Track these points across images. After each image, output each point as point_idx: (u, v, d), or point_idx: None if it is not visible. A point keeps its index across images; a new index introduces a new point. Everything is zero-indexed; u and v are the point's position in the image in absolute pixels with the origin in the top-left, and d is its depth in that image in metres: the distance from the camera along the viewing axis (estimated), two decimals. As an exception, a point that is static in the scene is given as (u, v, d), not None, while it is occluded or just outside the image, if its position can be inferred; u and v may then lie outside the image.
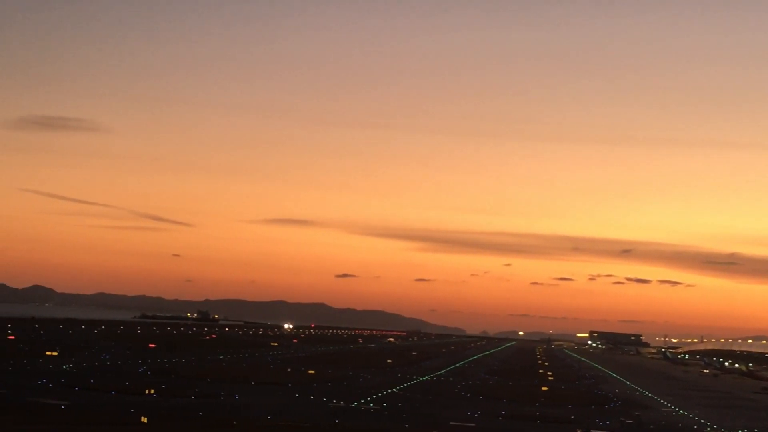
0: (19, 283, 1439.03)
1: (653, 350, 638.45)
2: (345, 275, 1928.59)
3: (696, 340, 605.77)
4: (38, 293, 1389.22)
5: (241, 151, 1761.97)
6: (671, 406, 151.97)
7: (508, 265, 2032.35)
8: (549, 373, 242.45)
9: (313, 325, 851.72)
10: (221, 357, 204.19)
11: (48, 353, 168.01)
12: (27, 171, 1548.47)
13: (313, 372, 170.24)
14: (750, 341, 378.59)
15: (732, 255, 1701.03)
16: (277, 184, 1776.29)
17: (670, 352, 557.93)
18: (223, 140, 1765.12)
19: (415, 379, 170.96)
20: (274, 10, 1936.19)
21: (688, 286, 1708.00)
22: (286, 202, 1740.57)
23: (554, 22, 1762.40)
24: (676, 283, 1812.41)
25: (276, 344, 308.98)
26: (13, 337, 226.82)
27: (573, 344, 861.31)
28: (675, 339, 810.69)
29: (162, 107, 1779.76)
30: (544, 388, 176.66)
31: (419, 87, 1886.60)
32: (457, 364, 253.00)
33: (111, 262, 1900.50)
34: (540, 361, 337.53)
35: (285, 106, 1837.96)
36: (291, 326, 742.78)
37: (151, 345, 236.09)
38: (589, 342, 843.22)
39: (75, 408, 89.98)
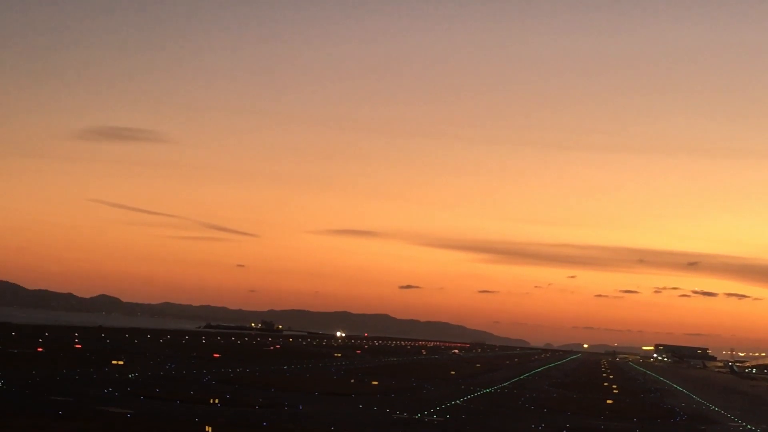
0: (86, 292, 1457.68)
1: (720, 364, 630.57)
2: (408, 286, 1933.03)
3: (764, 354, 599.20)
4: (105, 302, 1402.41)
5: (306, 161, 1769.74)
6: (738, 421, 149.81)
7: (573, 277, 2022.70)
8: (614, 386, 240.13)
9: (366, 335, 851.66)
10: (285, 367, 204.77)
11: (114, 362, 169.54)
12: (94, 181, 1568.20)
13: (376, 383, 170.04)
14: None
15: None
16: (341, 195, 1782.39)
17: (737, 365, 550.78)
18: (289, 151, 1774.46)
19: (479, 391, 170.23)
20: (339, 19, 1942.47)
21: (756, 299, 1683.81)
22: (350, 213, 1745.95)
23: (621, 31, 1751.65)
24: (743, 296, 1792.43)
25: (339, 355, 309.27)
26: (80, 346, 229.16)
27: (638, 357, 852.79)
28: (742, 353, 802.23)
29: (228, 117, 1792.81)
30: (608, 401, 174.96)
31: (485, 97, 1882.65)
32: (521, 377, 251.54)
33: (176, 272, 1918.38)
34: (605, 374, 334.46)
35: (350, 117, 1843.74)
36: (343, 335, 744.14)
37: (215, 354, 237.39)
38: (655, 355, 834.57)
39: (141, 416, 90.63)
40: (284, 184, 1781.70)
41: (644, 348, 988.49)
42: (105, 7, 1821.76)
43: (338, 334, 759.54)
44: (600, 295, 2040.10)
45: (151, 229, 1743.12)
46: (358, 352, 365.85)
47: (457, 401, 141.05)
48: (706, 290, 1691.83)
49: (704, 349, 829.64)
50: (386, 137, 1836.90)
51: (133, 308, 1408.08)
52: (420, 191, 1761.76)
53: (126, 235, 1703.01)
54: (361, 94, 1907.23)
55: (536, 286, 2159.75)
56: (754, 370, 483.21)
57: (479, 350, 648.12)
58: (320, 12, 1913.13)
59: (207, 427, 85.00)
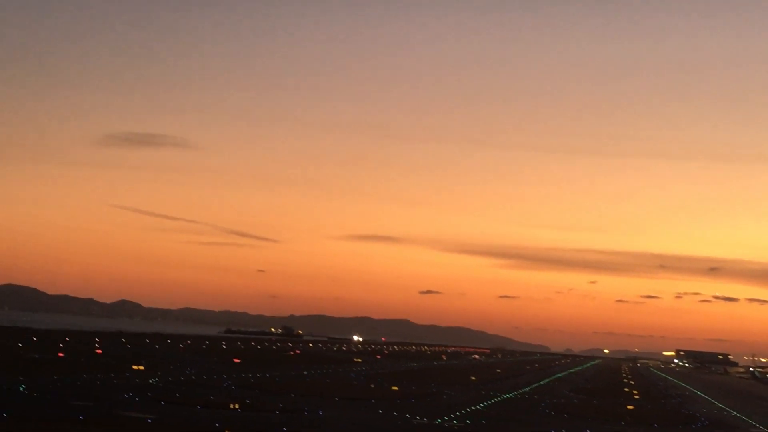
0: (107, 297, 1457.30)
1: (741, 370, 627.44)
2: (429, 292, 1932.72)
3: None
4: (125, 308, 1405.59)
5: (327, 167, 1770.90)
6: (760, 427, 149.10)
7: (594, 282, 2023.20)
8: (635, 392, 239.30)
9: (384, 339, 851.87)
10: (305, 372, 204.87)
11: (134, 367, 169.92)
12: (115, 187, 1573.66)
13: (396, 388, 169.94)
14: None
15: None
16: (362, 200, 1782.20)
17: (759, 371, 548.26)
18: (309, 156, 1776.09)
19: (500, 397, 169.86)
20: (362, 27, 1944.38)
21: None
22: (371, 218, 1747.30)
23: (644, 37, 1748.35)
24: (765, 301, 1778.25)
25: (360, 360, 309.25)
26: (100, 351, 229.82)
27: (659, 363, 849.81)
28: (764, 358, 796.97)
29: (248, 123, 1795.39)
30: (629, 407, 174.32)
31: (507, 103, 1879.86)
32: (542, 382, 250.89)
33: (197, 278, 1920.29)
34: (625, 380, 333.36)
35: (371, 122, 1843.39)
36: (360, 339, 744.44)
37: (235, 360, 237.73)
38: (676, 361, 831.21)
39: (161, 421, 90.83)
40: (305, 189, 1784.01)
41: (665, 353, 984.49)
42: (128, 14, 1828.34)
43: (355, 338, 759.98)
44: (621, 301, 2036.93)
45: (172, 235, 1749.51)
46: (378, 357, 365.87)
47: (478, 407, 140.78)
48: (727, 295, 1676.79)
49: (725, 355, 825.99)
50: (408, 143, 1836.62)
51: (154, 313, 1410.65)
52: (441, 196, 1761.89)
53: (147, 241, 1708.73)
54: (382, 100, 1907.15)
55: (557, 292, 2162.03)
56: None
57: (500, 355, 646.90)
58: (344, 20, 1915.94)
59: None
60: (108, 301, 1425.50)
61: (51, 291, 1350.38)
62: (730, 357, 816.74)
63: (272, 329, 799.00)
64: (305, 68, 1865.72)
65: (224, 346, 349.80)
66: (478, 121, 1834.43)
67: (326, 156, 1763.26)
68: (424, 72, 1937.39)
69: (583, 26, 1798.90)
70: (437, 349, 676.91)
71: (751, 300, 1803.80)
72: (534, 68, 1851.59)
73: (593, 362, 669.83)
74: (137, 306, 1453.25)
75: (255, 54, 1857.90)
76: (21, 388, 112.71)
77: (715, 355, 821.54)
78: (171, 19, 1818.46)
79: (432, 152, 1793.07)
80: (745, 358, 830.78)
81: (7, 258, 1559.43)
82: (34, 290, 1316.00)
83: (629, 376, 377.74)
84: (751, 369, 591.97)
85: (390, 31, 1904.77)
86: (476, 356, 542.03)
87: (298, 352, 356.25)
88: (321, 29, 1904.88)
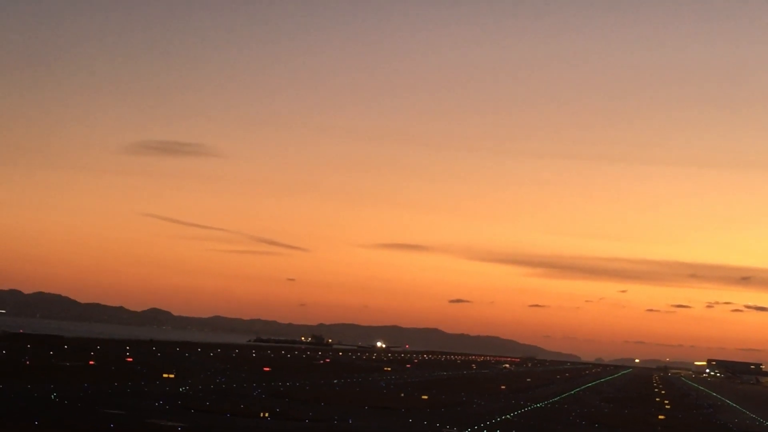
0: (138, 305, 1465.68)
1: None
2: (459, 300, 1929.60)
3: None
4: (156, 316, 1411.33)
5: (357, 175, 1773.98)
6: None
7: (624, 291, 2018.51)
8: (666, 401, 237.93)
9: (407, 346, 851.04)
10: (335, 381, 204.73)
11: (165, 375, 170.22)
12: (145, 195, 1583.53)
13: (426, 397, 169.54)
14: None
15: None
16: (392, 209, 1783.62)
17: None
18: (338, 165, 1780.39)
19: (530, 406, 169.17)
20: (388, 35, 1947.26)
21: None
22: (400, 227, 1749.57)
23: (673, 45, 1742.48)
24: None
25: (389, 369, 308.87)
26: (131, 359, 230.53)
27: (690, 372, 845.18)
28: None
29: (278, 132, 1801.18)
30: (660, 417, 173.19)
31: (535, 111, 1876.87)
32: (572, 391, 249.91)
33: (226, 286, 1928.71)
34: (656, 389, 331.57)
35: (400, 131, 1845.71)
36: (383, 345, 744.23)
37: (265, 368, 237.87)
38: (707, 370, 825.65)
39: (191, 430, 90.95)
40: (334, 198, 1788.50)
41: (696, 363, 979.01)
42: (157, 22, 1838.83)
43: (378, 344, 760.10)
44: (651, 310, 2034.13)
45: (201, 243, 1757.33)
46: (408, 366, 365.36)
47: (508, 416, 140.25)
48: (759, 305, 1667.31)
49: (758, 365, 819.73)
50: (437, 151, 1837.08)
51: (184, 322, 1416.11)
52: (470, 205, 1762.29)
53: (177, 249, 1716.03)
54: (411, 108, 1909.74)
55: (587, 301, 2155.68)
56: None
57: (530, 365, 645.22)
58: (370, 28, 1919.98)
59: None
60: (138, 309, 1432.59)
61: (82, 299, 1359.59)
62: (762, 367, 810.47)
63: (302, 338, 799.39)
64: (335, 77, 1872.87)
65: (254, 355, 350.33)
66: (508, 129, 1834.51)
67: (356, 165, 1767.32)
68: (455, 80, 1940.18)
69: (614, 33, 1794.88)
70: (467, 358, 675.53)
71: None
72: (564, 76, 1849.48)
73: (624, 372, 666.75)
74: (167, 314, 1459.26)
75: (285, 63, 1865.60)
76: (53, 396, 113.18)
77: (748, 364, 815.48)
78: (202, 28, 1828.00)
79: (462, 161, 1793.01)
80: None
81: (39, 266, 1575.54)
82: (66, 298, 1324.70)
83: (660, 386, 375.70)
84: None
85: (419, 39, 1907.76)
86: (507, 365, 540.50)
87: (327, 360, 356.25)
88: (348, 40, 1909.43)
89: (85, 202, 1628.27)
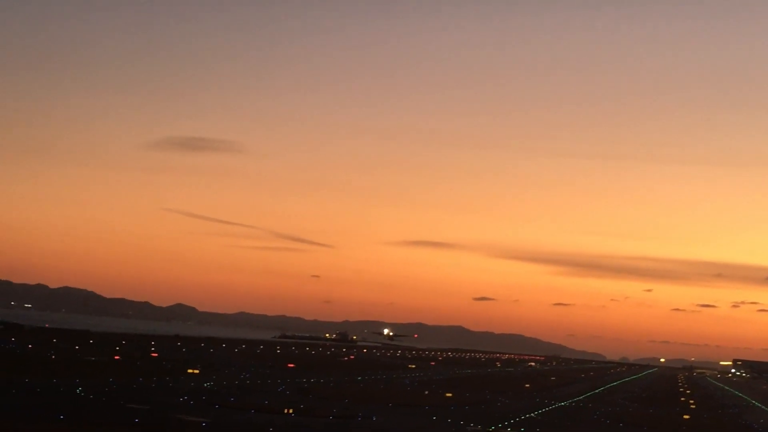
0: (163, 301, 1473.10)
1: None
2: (483, 298, 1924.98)
3: None
4: (181, 312, 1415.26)
5: (382, 173, 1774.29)
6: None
7: (649, 290, 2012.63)
8: (691, 401, 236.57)
9: (416, 336, 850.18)
10: (359, 378, 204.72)
11: (190, 371, 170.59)
12: (170, 191, 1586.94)
13: (450, 395, 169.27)
14: None
15: None
16: (416, 206, 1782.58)
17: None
18: (364, 162, 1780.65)
19: (554, 405, 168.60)
20: (416, 33, 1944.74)
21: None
22: (425, 224, 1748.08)
23: (701, 44, 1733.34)
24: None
25: (414, 366, 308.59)
26: (156, 355, 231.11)
27: (715, 372, 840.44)
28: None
29: (304, 128, 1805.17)
30: (685, 417, 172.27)
31: (560, 110, 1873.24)
32: (597, 390, 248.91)
33: (251, 282, 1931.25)
34: (681, 389, 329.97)
35: (426, 129, 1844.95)
36: (391, 333, 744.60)
37: (290, 365, 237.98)
38: (733, 370, 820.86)
39: (216, 426, 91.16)
40: (360, 195, 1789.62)
41: (722, 363, 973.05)
42: (182, 17, 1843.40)
43: (385, 331, 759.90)
44: (677, 309, 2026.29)
45: (226, 239, 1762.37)
46: (432, 363, 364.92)
47: (532, 414, 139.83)
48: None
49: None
50: (462, 149, 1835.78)
51: (209, 317, 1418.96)
52: (495, 203, 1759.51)
53: (202, 245, 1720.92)
54: (437, 107, 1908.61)
55: (612, 300, 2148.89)
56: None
57: (554, 363, 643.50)
58: (398, 26, 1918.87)
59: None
60: (163, 304, 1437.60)
61: (107, 294, 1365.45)
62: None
63: (326, 335, 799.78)
64: (360, 74, 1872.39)
65: (279, 351, 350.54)
66: (534, 128, 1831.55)
67: (381, 162, 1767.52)
68: (479, 78, 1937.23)
69: (636, 32, 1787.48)
70: (491, 356, 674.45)
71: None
72: (589, 75, 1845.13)
73: (649, 371, 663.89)
74: (192, 310, 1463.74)
75: (310, 59, 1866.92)
76: (78, 391, 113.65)
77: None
78: (226, 24, 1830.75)
79: (486, 159, 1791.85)
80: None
81: (65, 261, 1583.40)
82: (91, 293, 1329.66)
83: (685, 386, 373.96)
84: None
85: (446, 37, 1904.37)
86: (532, 363, 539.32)
87: (352, 357, 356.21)
88: (375, 37, 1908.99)
89: (111, 198, 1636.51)
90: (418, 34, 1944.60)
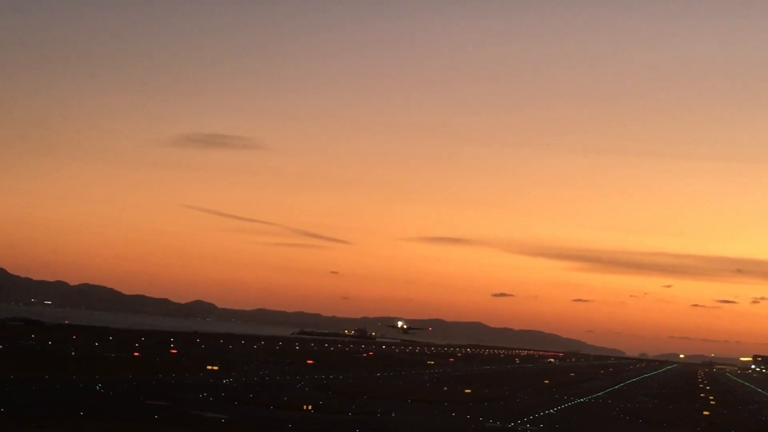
0: (182, 297, 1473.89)
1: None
2: (502, 294, 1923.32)
3: None
4: (200, 308, 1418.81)
5: (399, 169, 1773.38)
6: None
7: (669, 286, 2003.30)
8: (711, 397, 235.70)
9: (430, 329, 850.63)
10: (377, 374, 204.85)
11: (209, 367, 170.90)
12: (190, 188, 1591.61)
13: (469, 391, 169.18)
14: None
15: None
16: (434, 202, 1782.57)
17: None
18: (382, 158, 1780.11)
19: (573, 401, 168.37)
20: (436, 29, 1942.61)
21: None
22: (443, 220, 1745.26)
23: (723, 40, 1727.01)
24: None
25: (432, 362, 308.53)
26: (175, 351, 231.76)
27: (735, 368, 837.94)
28: None
29: (322, 125, 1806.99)
30: (705, 413, 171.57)
31: (579, 106, 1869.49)
32: (616, 386, 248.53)
33: (270, 279, 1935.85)
34: (701, 385, 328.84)
35: (444, 125, 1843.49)
36: (405, 326, 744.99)
37: (309, 361, 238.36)
38: (753, 366, 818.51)
39: (235, 422, 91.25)
40: (378, 191, 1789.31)
41: (742, 359, 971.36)
42: (201, 15, 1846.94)
43: (399, 324, 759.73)
44: (697, 305, 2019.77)
45: (245, 236, 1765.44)
46: (451, 360, 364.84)
47: (551, 411, 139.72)
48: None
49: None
50: (480, 145, 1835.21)
51: (228, 314, 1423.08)
52: (514, 199, 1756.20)
53: (221, 242, 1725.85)
54: (456, 103, 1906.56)
55: (631, 295, 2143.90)
56: None
57: (573, 359, 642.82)
58: (418, 21, 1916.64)
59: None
60: (183, 301, 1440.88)
61: (127, 291, 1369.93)
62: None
63: (345, 331, 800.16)
64: (379, 71, 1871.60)
65: (297, 348, 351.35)
66: (553, 125, 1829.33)
67: (399, 158, 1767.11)
68: (498, 74, 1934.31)
69: (660, 28, 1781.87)
70: (510, 352, 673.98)
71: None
72: (608, 71, 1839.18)
73: (668, 367, 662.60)
74: (211, 306, 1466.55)
75: (330, 56, 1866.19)
76: (97, 387, 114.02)
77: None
78: (245, 23, 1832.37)
79: (505, 155, 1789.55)
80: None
81: (85, 258, 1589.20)
82: (111, 290, 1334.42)
83: (705, 382, 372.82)
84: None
85: (464, 33, 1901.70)
86: (552, 360, 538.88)
87: (371, 353, 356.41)
88: (394, 33, 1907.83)
89: (131, 195, 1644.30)
90: (439, 30, 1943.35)
